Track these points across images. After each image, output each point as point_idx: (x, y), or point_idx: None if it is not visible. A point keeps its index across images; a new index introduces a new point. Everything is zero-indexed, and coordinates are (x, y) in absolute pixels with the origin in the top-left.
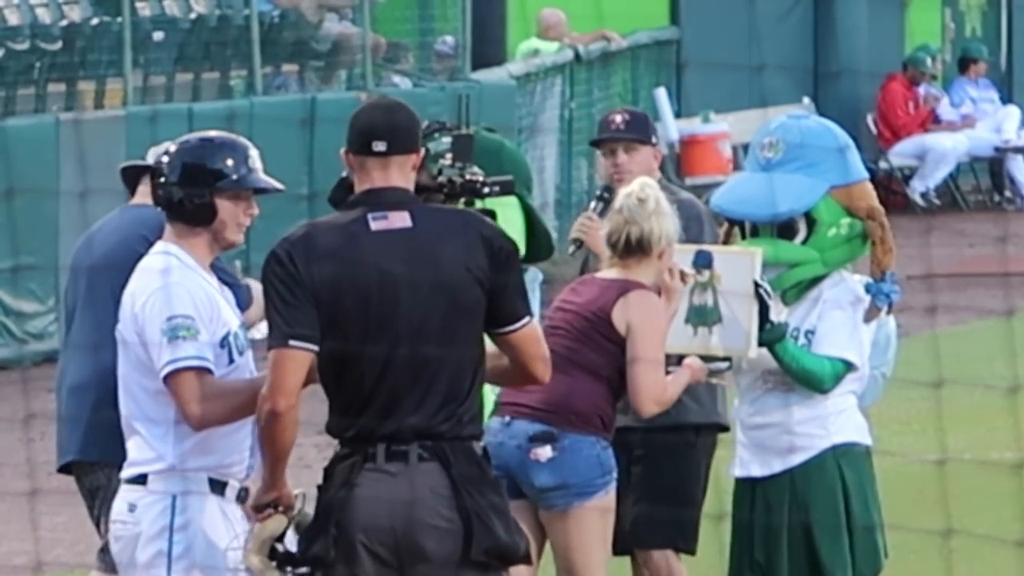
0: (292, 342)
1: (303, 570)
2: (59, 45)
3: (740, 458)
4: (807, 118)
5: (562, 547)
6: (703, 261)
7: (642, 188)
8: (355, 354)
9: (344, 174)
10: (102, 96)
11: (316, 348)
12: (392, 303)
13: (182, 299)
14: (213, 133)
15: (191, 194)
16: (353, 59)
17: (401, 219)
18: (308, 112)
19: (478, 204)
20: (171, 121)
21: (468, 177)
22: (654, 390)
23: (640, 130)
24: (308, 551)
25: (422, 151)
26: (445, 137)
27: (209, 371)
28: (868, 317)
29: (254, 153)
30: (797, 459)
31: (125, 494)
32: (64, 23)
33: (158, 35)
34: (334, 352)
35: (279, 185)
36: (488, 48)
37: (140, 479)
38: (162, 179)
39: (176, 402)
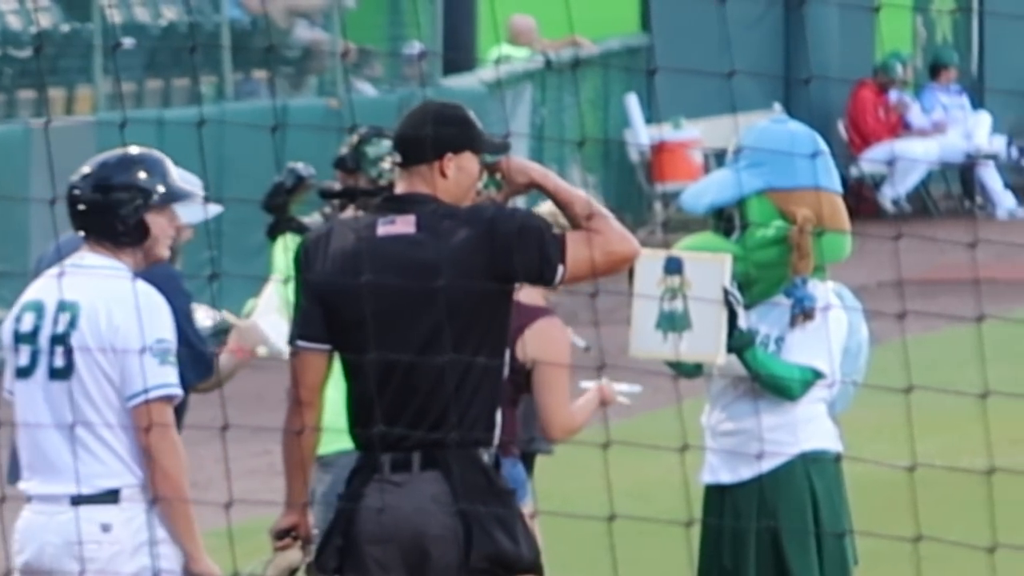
0: (299, 342)
1: None
2: (29, 52)
3: (709, 464)
4: (784, 122)
5: None
6: (673, 267)
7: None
8: (358, 361)
9: (278, 179)
10: (72, 103)
11: (326, 347)
12: (390, 311)
13: (165, 322)
14: (130, 149)
15: (123, 214)
16: (323, 65)
17: (406, 224)
18: (278, 118)
19: None
20: (141, 128)
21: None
22: (565, 420)
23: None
24: (317, 561)
25: (463, 154)
26: (384, 141)
27: (173, 401)
28: (792, 323)
29: (170, 164)
30: (766, 466)
31: (93, 514)
32: (34, 30)
33: (128, 42)
34: (342, 358)
35: (201, 192)
36: (459, 54)
37: (110, 495)
38: (81, 202)
39: (147, 424)
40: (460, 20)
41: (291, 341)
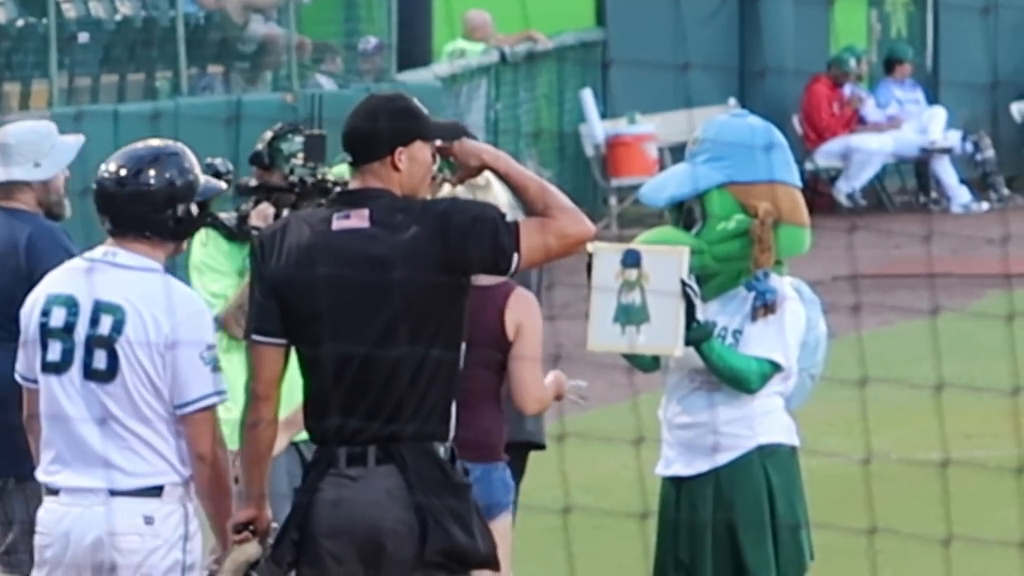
0: (254, 336)
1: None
2: None
3: (666, 457)
4: (744, 116)
5: None
6: (631, 260)
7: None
8: (313, 355)
9: None
10: (27, 97)
11: (281, 342)
12: (345, 305)
13: (210, 326)
14: (160, 142)
15: (179, 208)
16: (279, 60)
17: (360, 218)
18: (233, 113)
19: None
20: (97, 122)
21: (319, 177)
22: (539, 390)
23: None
24: (272, 554)
25: (413, 144)
26: (297, 137)
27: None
28: (754, 316)
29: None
30: (722, 459)
31: (136, 506)
32: None
33: (83, 36)
34: (297, 352)
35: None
36: (414, 49)
37: (153, 491)
38: (133, 197)
39: (202, 432)
40: (415, 15)
41: (247, 335)
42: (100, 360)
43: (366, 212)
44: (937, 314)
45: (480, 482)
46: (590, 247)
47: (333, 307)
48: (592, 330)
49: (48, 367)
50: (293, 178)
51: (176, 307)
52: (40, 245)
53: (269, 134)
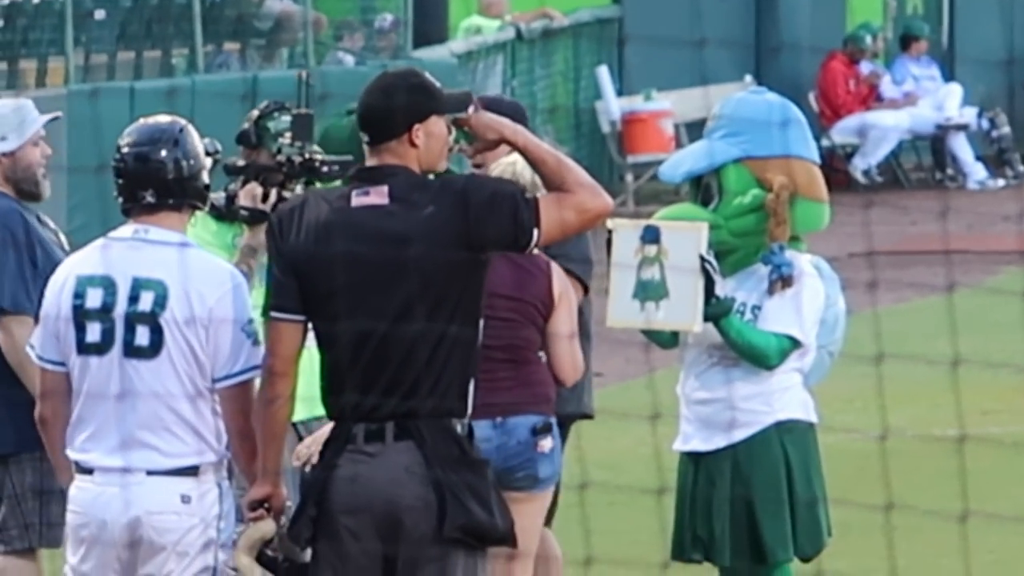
0: (274, 313)
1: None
2: (0, 23)
3: (684, 432)
4: (761, 93)
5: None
6: (651, 236)
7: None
8: (331, 332)
9: None
10: (44, 74)
11: (300, 318)
12: (364, 282)
13: (248, 300)
14: (173, 118)
15: (205, 179)
16: (295, 37)
17: (379, 195)
18: (249, 90)
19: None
20: (113, 99)
21: (307, 156)
22: (578, 360)
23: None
24: (290, 530)
25: (429, 120)
26: (285, 116)
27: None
28: (771, 290)
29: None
30: (740, 435)
31: (173, 485)
32: (5, 1)
33: (100, 13)
34: (315, 329)
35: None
36: (430, 26)
37: (190, 470)
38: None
39: (242, 406)
40: None
41: (265, 312)
42: (143, 337)
43: (385, 189)
44: (953, 290)
45: (556, 440)
46: (610, 224)
47: (352, 284)
48: (611, 306)
49: (88, 348)
50: (280, 157)
51: (216, 280)
52: None
53: (255, 113)
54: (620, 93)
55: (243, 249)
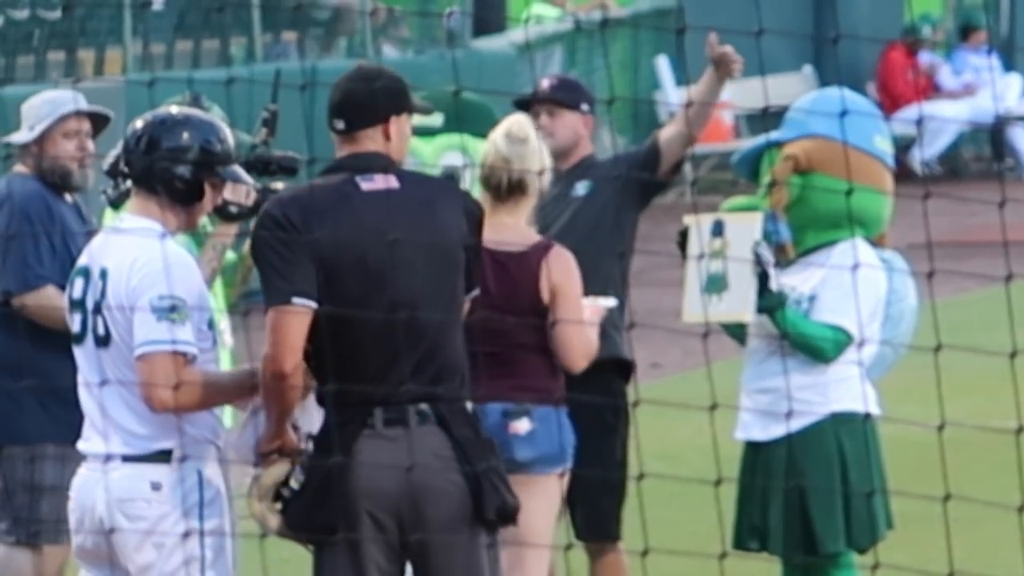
0: (295, 299)
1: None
2: (59, 13)
3: (743, 421)
4: (831, 90)
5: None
6: (717, 230)
7: (520, 127)
8: (352, 316)
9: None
10: (102, 64)
11: (314, 305)
12: (388, 263)
13: (179, 279)
14: (198, 112)
15: (183, 171)
16: (353, 27)
17: (387, 181)
18: (308, 80)
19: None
20: (171, 89)
21: (257, 153)
22: (586, 347)
23: (565, 95)
24: (313, 520)
25: (403, 117)
26: (215, 107)
27: (186, 357)
28: (777, 261)
29: (228, 133)
30: (795, 425)
31: (143, 471)
32: None
33: (158, 3)
34: (332, 314)
35: (249, 181)
36: (489, 15)
37: (162, 455)
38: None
39: (151, 380)
40: None
41: (281, 300)
42: (100, 326)
43: (392, 176)
44: (1011, 281)
45: (540, 424)
46: (685, 220)
47: (377, 266)
48: (685, 302)
49: (75, 338)
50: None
51: (149, 261)
52: None
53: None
54: (679, 83)
55: (215, 244)
